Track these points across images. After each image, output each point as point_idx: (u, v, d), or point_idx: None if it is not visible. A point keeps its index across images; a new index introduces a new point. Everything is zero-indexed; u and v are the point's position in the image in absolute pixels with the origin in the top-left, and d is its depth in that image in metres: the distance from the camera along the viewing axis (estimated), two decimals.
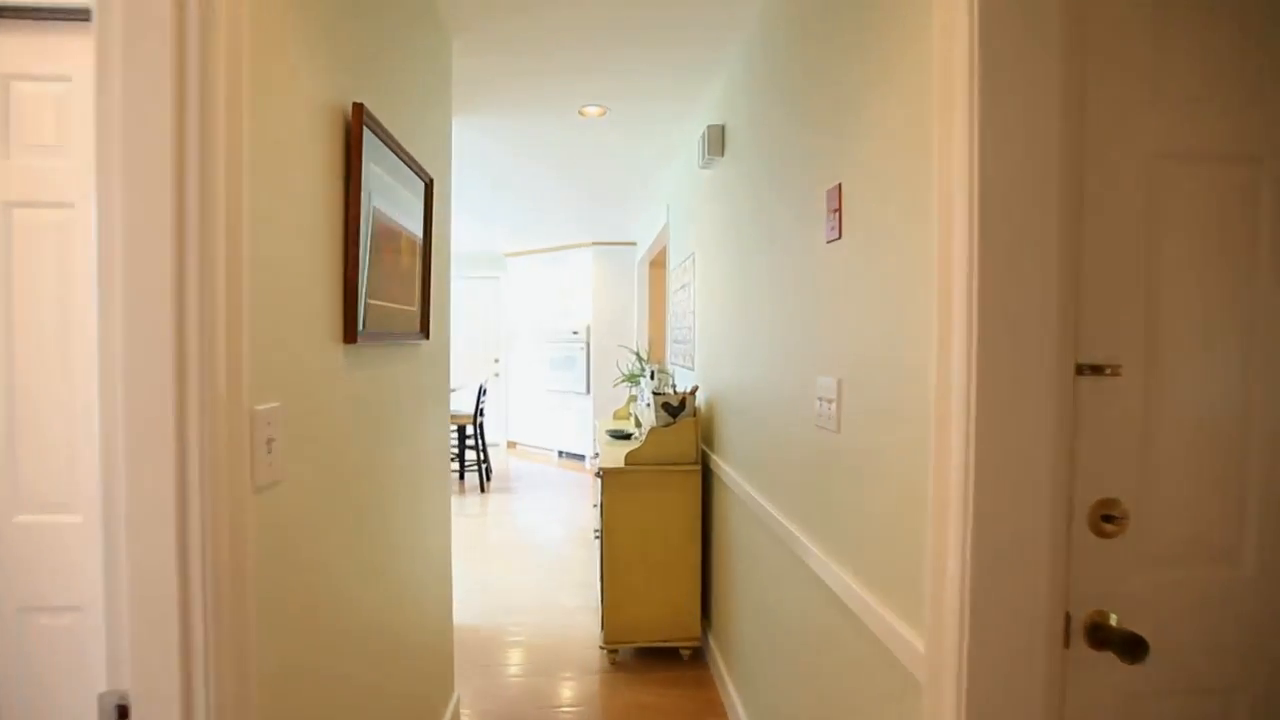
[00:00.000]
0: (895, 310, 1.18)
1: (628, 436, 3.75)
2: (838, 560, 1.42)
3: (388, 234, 1.58)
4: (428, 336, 2.08)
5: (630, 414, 4.45)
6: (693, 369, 3.50)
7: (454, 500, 5.88)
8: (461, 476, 6.65)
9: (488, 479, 6.64)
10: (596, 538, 3.35)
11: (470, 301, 8.51)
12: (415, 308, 1.92)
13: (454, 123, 3.49)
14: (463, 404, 8.32)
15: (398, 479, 1.79)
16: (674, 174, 4.18)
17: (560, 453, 7.87)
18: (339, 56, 1.32)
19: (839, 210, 1.42)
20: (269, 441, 1.00)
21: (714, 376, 2.96)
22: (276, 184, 1.05)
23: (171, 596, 0.81)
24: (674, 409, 2.95)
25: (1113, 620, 1.04)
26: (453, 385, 6.48)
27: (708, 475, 2.99)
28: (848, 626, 1.35)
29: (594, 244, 7.38)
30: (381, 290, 1.54)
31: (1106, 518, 1.04)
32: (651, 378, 4.16)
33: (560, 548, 4.55)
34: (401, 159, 1.68)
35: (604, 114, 3.20)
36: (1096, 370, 1.02)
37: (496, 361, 8.54)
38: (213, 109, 0.84)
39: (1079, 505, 1.03)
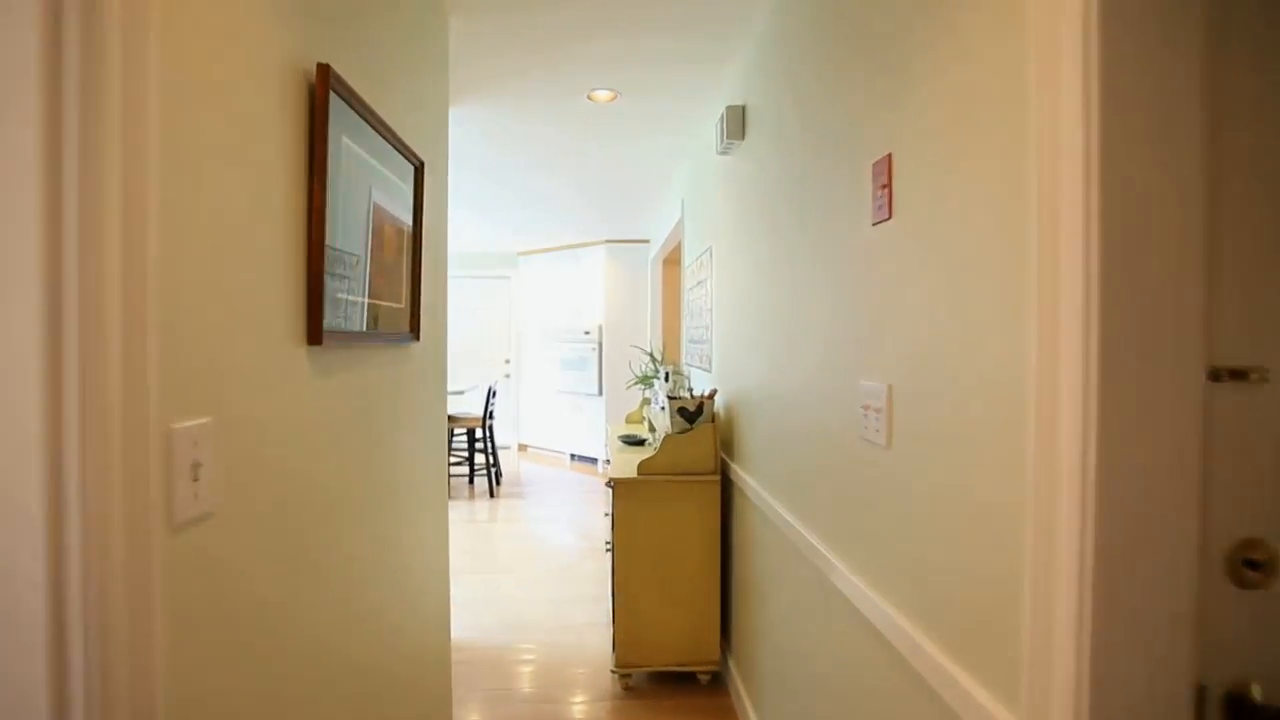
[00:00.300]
0: (961, 304, 0.97)
1: (641, 442, 3.54)
2: (886, 597, 1.21)
3: (368, 220, 1.39)
4: (418, 337, 1.89)
5: (644, 418, 4.25)
6: (710, 371, 3.30)
7: (463, 506, 5.71)
8: (471, 480, 6.48)
9: (498, 483, 6.47)
10: (608, 549, 3.15)
11: (481, 301, 8.35)
12: (404, 305, 1.73)
13: (457, 114, 3.31)
14: (472, 406, 8.16)
15: (381, 500, 1.60)
16: (688, 165, 3.98)
17: (572, 456, 7.69)
18: (306, 9, 1.13)
19: (888, 186, 1.20)
20: (195, 467, 0.81)
21: (734, 379, 2.75)
22: (211, 153, 0.85)
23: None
24: (691, 414, 2.74)
25: (1257, 694, 0.82)
26: (461, 387, 6.27)
27: (727, 486, 2.78)
28: (901, 678, 1.14)
29: (606, 242, 7.18)
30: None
31: (1249, 563, 0.82)
32: (666, 380, 3.95)
33: (571, 558, 4.36)
34: (385, 137, 1.49)
35: (614, 99, 3.00)
36: (1238, 375, 0.81)
37: (507, 362, 8.37)
38: (102, 41, 0.65)
39: (1213, 546, 0.81)
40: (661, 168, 4.24)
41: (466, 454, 6.40)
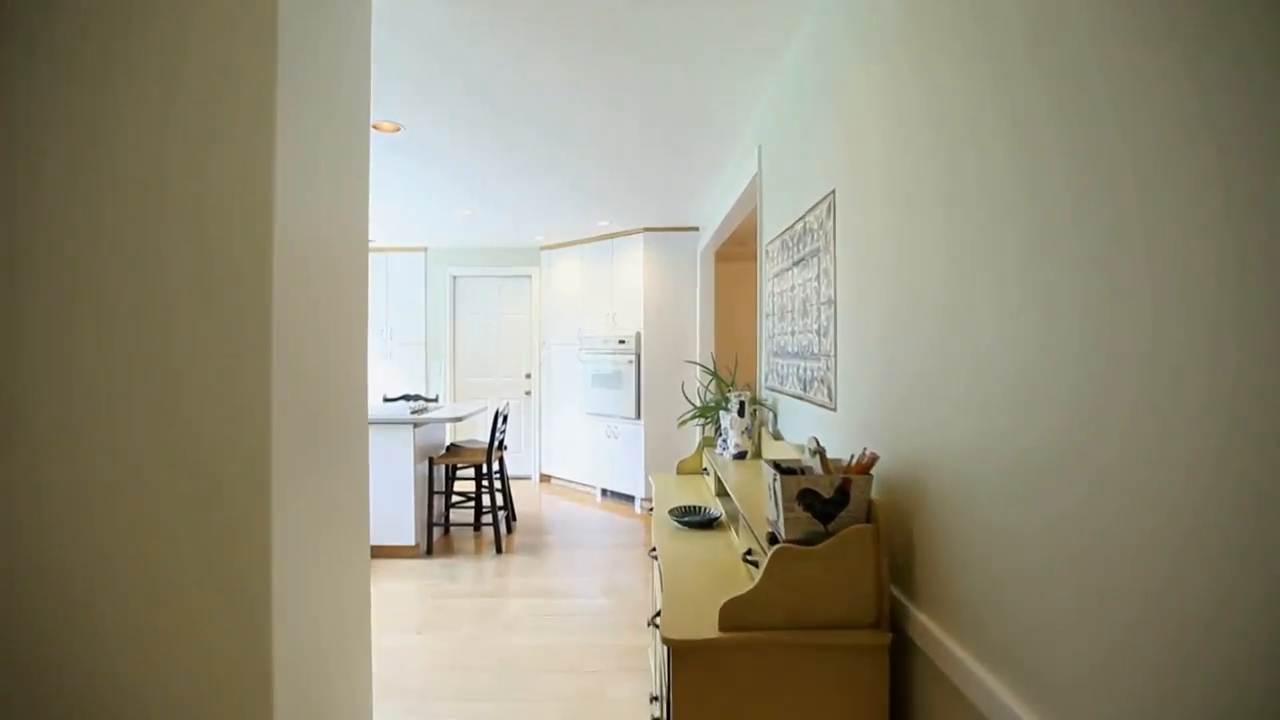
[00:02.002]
0: None
1: (711, 522, 2.19)
2: None
3: None
4: None
5: (706, 469, 2.89)
6: (832, 407, 1.92)
7: (462, 565, 4.41)
8: (477, 527, 5.18)
9: (508, 530, 5.16)
10: (653, 627, 1.80)
11: (496, 305, 7.09)
12: None
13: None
14: (479, 432, 6.88)
15: None
16: (779, 78, 2.63)
17: (604, 491, 6.35)
18: None
19: None
20: None
21: (913, 431, 1.37)
22: None
23: None
24: (825, 505, 1.37)
25: None
26: (463, 410, 5.00)
27: (908, 657, 1.40)
28: None
29: (645, 230, 5.86)
30: None
31: None
32: (742, 413, 2.59)
33: (600, 665, 3.01)
34: None
35: None
36: None
37: (528, 378, 7.09)
38: None
39: None
40: (727, 92, 2.89)
41: (473, 496, 5.11)
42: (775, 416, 2.62)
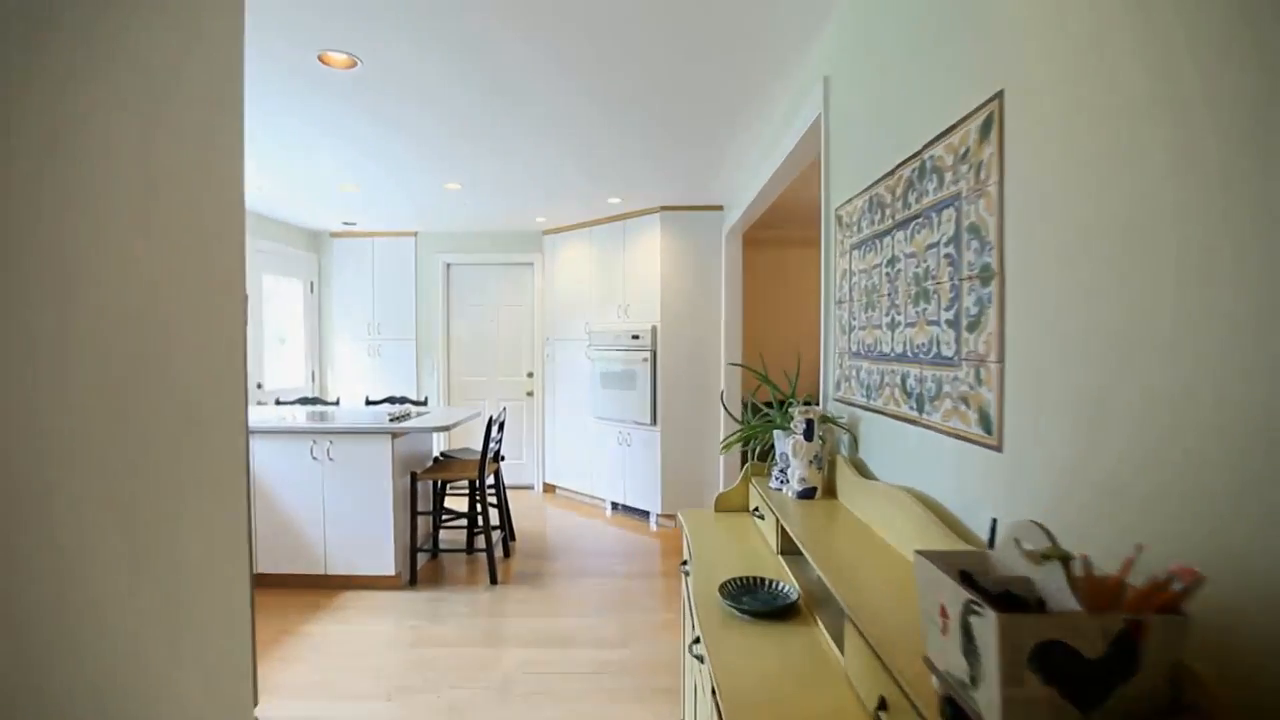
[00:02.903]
0: None
1: (786, 611, 1.49)
2: None
3: None
4: None
5: (758, 511, 2.18)
6: (987, 439, 1.21)
7: (452, 601, 3.74)
8: (469, 549, 4.51)
9: (506, 553, 4.48)
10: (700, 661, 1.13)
11: (494, 297, 6.41)
12: None
13: None
14: (473, 439, 6.20)
15: None
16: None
17: (614, 505, 5.67)
18: None
19: None
20: None
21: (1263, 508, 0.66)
22: None
23: None
24: (1089, 674, 0.67)
25: None
26: (446, 419, 4.28)
27: None
28: None
29: (662, 209, 5.15)
30: None
31: None
32: (810, 436, 1.89)
33: None
34: None
35: None
36: None
37: (530, 377, 6.41)
38: None
39: None
40: (767, 31, 2.18)
41: (467, 516, 4.44)
42: (854, 441, 1.92)
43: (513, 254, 6.32)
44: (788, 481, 2.00)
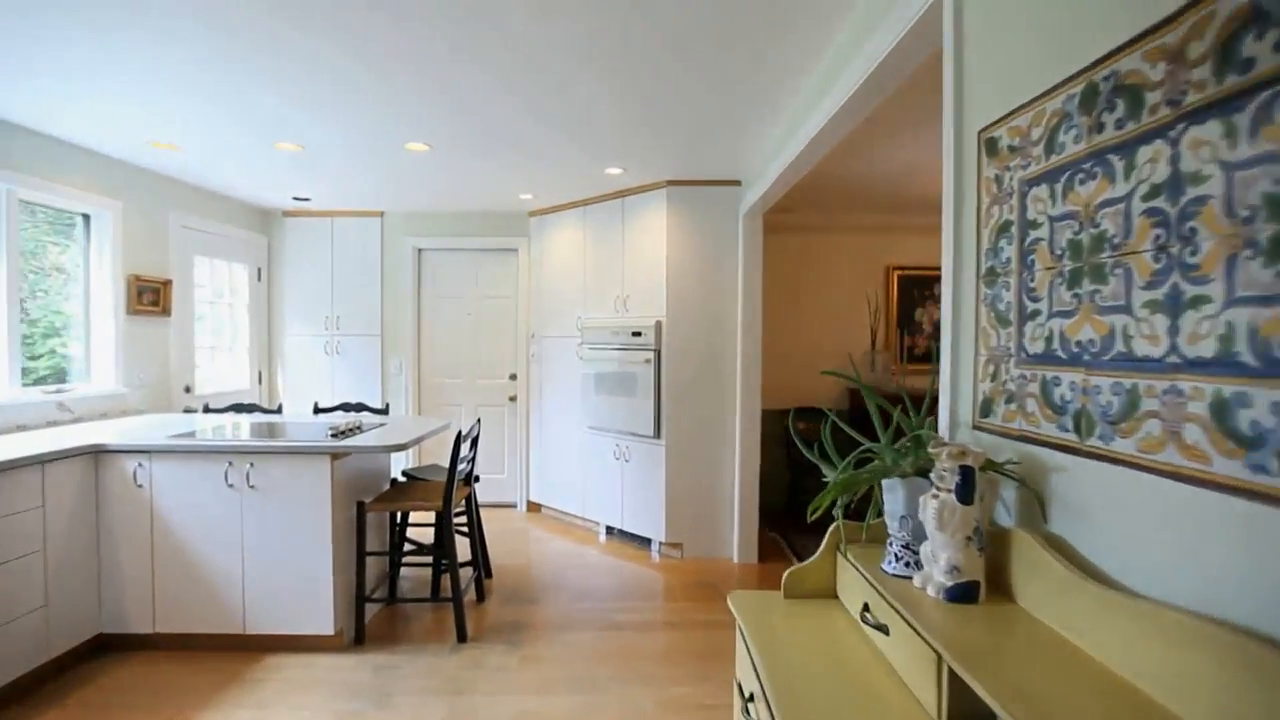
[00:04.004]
0: None
1: None
2: None
3: None
4: None
5: (878, 610, 1.39)
6: None
7: (406, 669, 2.92)
8: (434, 593, 3.69)
9: (480, 595, 3.67)
10: None
11: (473, 287, 5.59)
12: None
13: None
14: (444, 454, 5.37)
15: None
16: None
17: (610, 530, 4.87)
18: None
19: None
20: None
21: None
22: None
23: None
24: None
25: None
26: (410, 434, 3.34)
27: None
28: None
29: (668, 184, 4.36)
30: None
31: None
32: (967, 495, 1.10)
33: None
34: None
35: None
36: None
37: (513, 379, 5.59)
38: None
39: None
40: None
41: (432, 557, 3.62)
42: (1039, 503, 1.14)
43: (494, 238, 5.50)
44: (916, 565, 1.22)
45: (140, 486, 2.99)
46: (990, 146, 1.32)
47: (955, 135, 1.45)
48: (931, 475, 1.14)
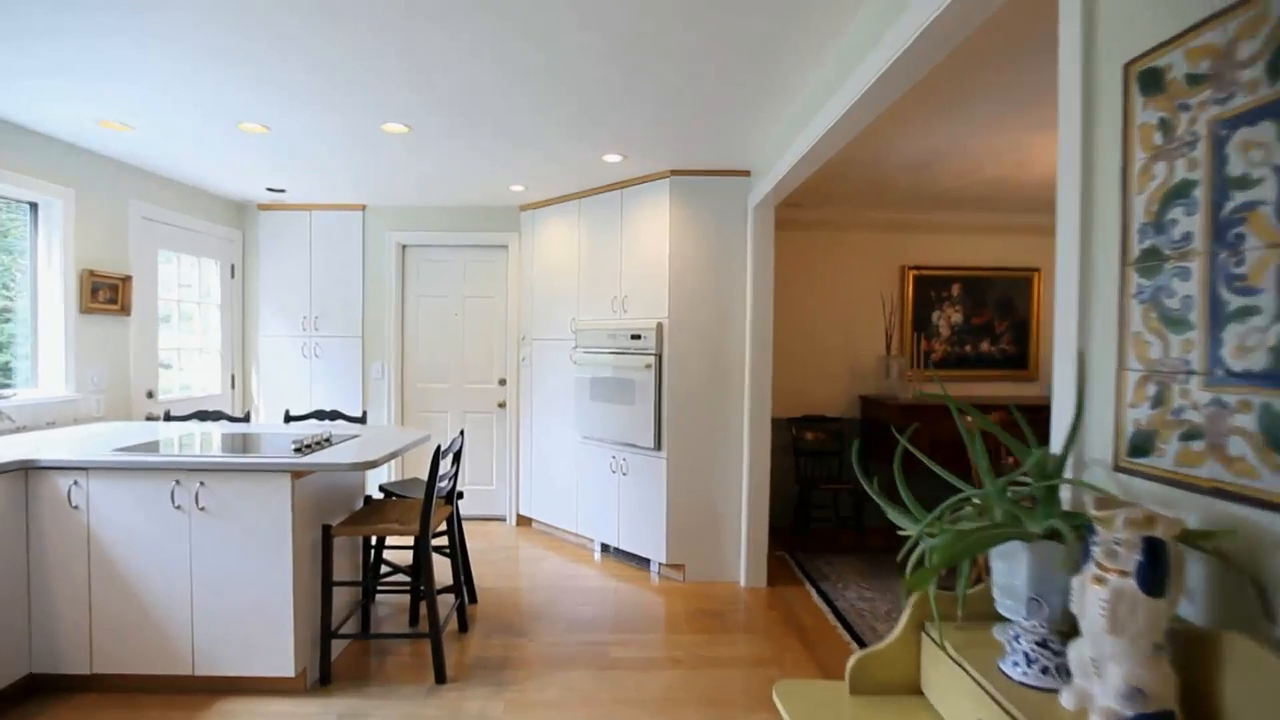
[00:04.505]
0: None
1: None
2: None
3: None
4: None
5: None
6: None
7: (375, 717, 2.58)
8: (412, 627, 3.35)
9: (463, 625, 3.32)
10: None
11: (460, 286, 5.24)
12: None
13: None
14: (424, 462, 5.02)
15: None
16: None
17: (605, 547, 4.53)
18: None
19: None
20: None
21: None
22: None
23: None
24: None
25: None
26: (383, 449, 2.90)
27: None
28: None
29: (671, 174, 4.03)
30: None
31: None
32: (1160, 584, 0.75)
33: None
34: None
35: None
36: None
37: (502, 384, 5.24)
38: None
39: None
40: None
41: (409, 586, 3.27)
42: (1263, 596, 0.80)
43: (483, 233, 5.15)
44: (1060, 673, 0.88)
45: (75, 508, 2.64)
46: (1150, 81, 0.97)
47: (1084, 74, 1.10)
48: (1094, 549, 0.80)
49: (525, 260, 5.06)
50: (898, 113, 3.05)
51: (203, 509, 2.62)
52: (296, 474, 2.63)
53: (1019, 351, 5.26)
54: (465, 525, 5.08)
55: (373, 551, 3.25)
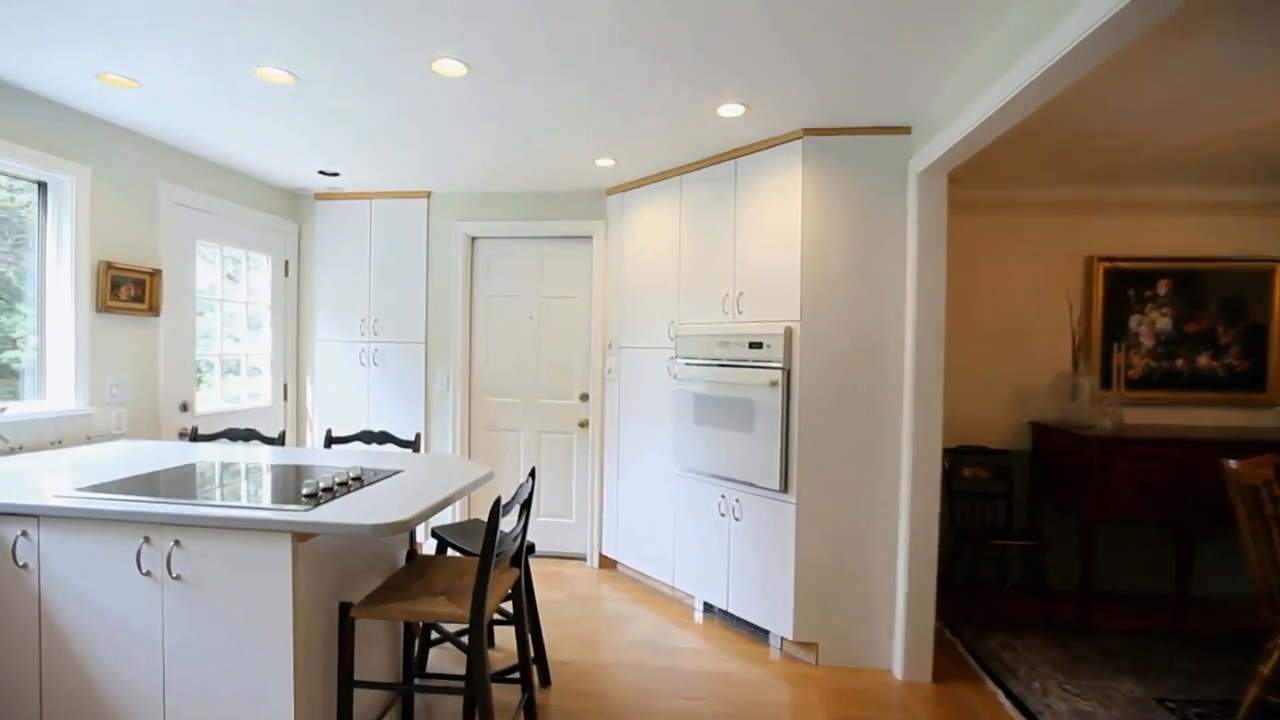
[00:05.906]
0: None
1: None
2: None
3: None
4: None
5: None
6: None
7: None
8: (468, 716, 2.54)
9: (531, 715, 2.49)
10: None
11: (537, 284, 4.48)
12: None
13: None
14: (487, 497, 4.24)
15: None
16: None
17: (709, 607, 3.62)
18: None
19: None
20: None
21: None
22: None
23: None
24: None
25: None
26: (433, 499, 2.16)
27: None
28: None
29: (805, 134, 3.10)
30: None
31: None
32: None
33: None
34: None
35: None
36: None
37: (584, 400, 4.43)
38: None
39: None
40: None
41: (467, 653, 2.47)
42: None
43: (563, 222, 4.38)
44: None
45: (23, 566, 1.97)
46: None
47: None
48: None
49: (613, 253, 4.24)
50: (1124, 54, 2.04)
51: (177, 577, 1.90)
52: (301, 536, 1.86)
53: (1253, 368, 4.00)
54: (538, 566, 4.28)
55: (417, 636, 2.47)
